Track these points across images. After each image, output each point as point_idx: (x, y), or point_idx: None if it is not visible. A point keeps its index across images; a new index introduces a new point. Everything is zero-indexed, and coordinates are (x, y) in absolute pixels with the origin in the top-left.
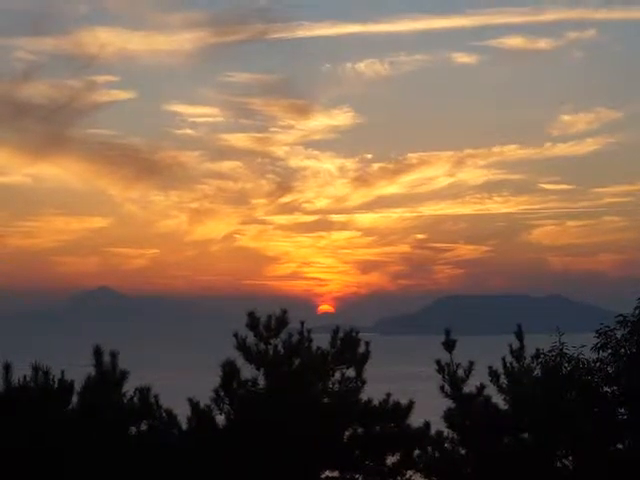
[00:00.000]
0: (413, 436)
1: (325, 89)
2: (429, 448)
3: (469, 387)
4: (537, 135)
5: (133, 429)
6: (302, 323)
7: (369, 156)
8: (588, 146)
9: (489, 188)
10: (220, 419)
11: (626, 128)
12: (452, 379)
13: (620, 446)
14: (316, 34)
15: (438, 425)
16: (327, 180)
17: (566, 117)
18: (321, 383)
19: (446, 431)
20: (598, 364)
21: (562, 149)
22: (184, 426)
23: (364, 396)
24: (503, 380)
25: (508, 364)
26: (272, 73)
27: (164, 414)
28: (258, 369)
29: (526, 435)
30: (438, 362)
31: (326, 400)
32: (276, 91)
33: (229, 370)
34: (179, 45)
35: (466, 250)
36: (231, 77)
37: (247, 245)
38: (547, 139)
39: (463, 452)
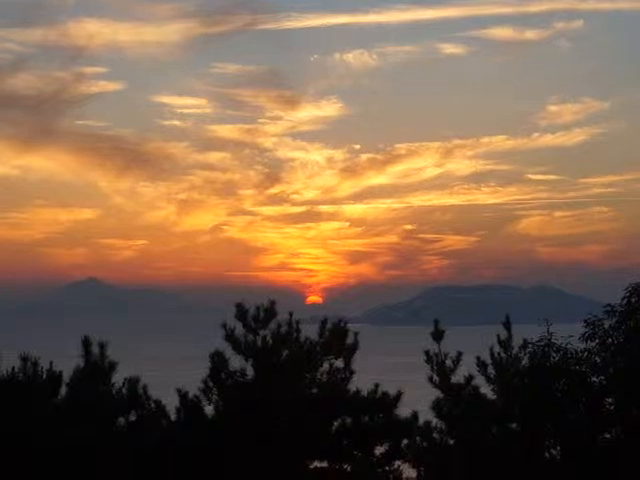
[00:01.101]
0: (401, 426)
1: (313, 80)
2: (417, 438)
3: (457, 377)
4: (525, 126)
5: (122, 420)
6: (290, 314)
7: (357, 147)
8: (576, 136)
9: (477, 179)
10: (209, 409)
11: (614, 118)
12: (440, 369)
13: (607, 435)
14: (304, 25)
15: (426, 415)
16: (315, 171)
17: (554, 107)
18: (310, 374)
19: (434, 421)
20: (586, 354)
21: (550, 139)
22: (173, 416)
23: (352, 387)
24: (491, 370)
25: (496, 354)
26: (260, 64)
27: (153, 405)
28: (247, 360)
29: (514, 425)
30: (427, 352)
31: (314, 391)
32: (264, 82)
33: (218, 361)
34: (167, 36)
35: (454, 241)
36: (219, 68)
37: (235, 236)
38: (535, 130)
39: (451, 442)
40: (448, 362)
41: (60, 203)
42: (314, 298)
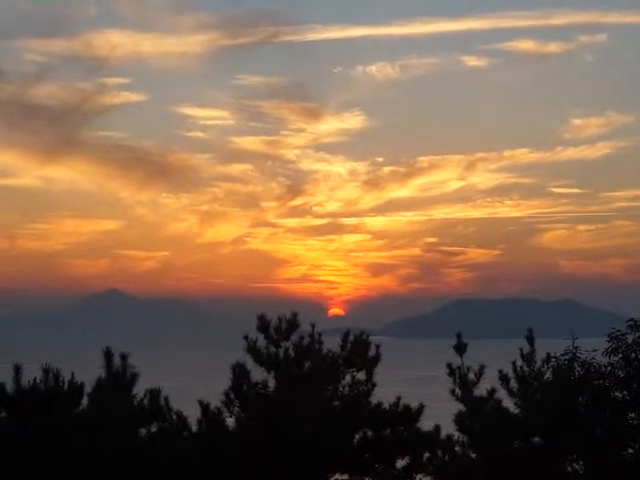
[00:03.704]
0: (423, 439)
1: (336, 92)
2: (439, 451)
3: (480, 391)
4: (548, 139)
5: (143, 431)
6: (313, 326)
7: (380, 159)
8: (599, 150)
9: (500, 192)
10: (230, 421)
11: (637, 132)
12: (463, 382)
13: (631, 450)
14: (327, 37)
15: (448, 428)
16: (338, 183)
17: (577, 121)
18: (331, 386)
19: (456, 434)
20: (609, 368)
21: (573, 153)
22: (194, 428)
23: (374, 399)
24: (514, 384)
25: (518, 368)
26: (283, 76)
27: (174, 416)
28: (268, 372)
29: (537, 439)
30: (449, 365)
31: (336, 403)
32: (287, 94)
33: (239, 372)
34: (190, 47)
35: (477, 254)
36: (242, 80)
37: (257, 248)
38: (558, 143)
39: (473, 456)
40: (471, 375)
41: (82, 214)
42: (336, 310)
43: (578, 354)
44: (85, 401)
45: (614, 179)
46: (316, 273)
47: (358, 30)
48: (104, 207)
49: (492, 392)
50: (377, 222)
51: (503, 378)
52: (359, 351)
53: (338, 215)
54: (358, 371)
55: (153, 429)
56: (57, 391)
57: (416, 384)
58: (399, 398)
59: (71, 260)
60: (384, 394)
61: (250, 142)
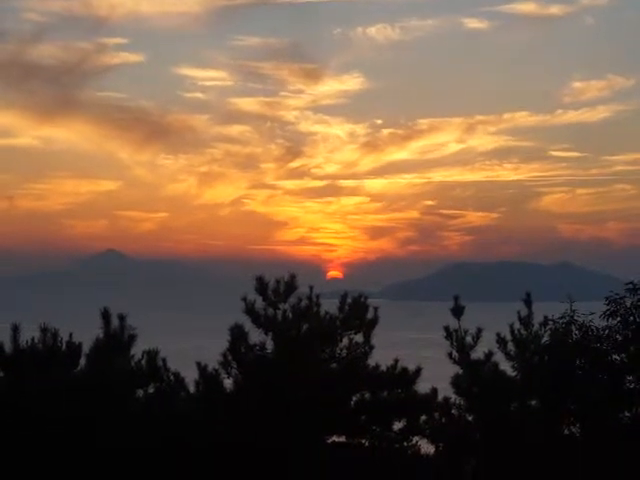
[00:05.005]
0: (420, 402)
1: (335, 54)
2: (436, 414)
3: (477, 353)
4: (548, 102)
5: (141, 392)
6: (311, 288)
7: (379, 121)
8: (599, 113)
9: (499, 155)
10: (228, 383)
11: (637, 95)
12: (460, 345)
13: (627, 414)
14: None
15: (446, 391)
16: (336, 145)
17: (577, 84)
18: (329, 348)
19: (453, 397)
20: (607, 332)
21: (573, 116)
22: (192, 389)
23: (372, 362)
24: (511, 347)
25: (516, 331)
26: (282, 37)
27: (172, 377)
28: (266, 333)
29: (533, 402)
30: (446, 328)
31: (334, 365)
32: (286, 55)
33: (237, 334)
34: (189, 7)
35: (475, 217)
36: (241, 40)
37: (256, 209)
38: (558, 106)
39: (470, 418)
40: (468, 338)
41: (81, 174)
42: (334, 273)
43: (576, 317)
44: (83, 362)
45: (614, 143)
46: (314, 236)
47: None
48: (103, 167)
49: (489, 355)
50: (376, 184)
51: (500, 341)
52: (357, 313)
53: (337, 177)
54: (356, 333)
55: (150, 390)
56: (55, 351)
57: (414, 347)
58: (397, 361)
59: (70, 220)
60: (382, 356)
61: (249, 103)
